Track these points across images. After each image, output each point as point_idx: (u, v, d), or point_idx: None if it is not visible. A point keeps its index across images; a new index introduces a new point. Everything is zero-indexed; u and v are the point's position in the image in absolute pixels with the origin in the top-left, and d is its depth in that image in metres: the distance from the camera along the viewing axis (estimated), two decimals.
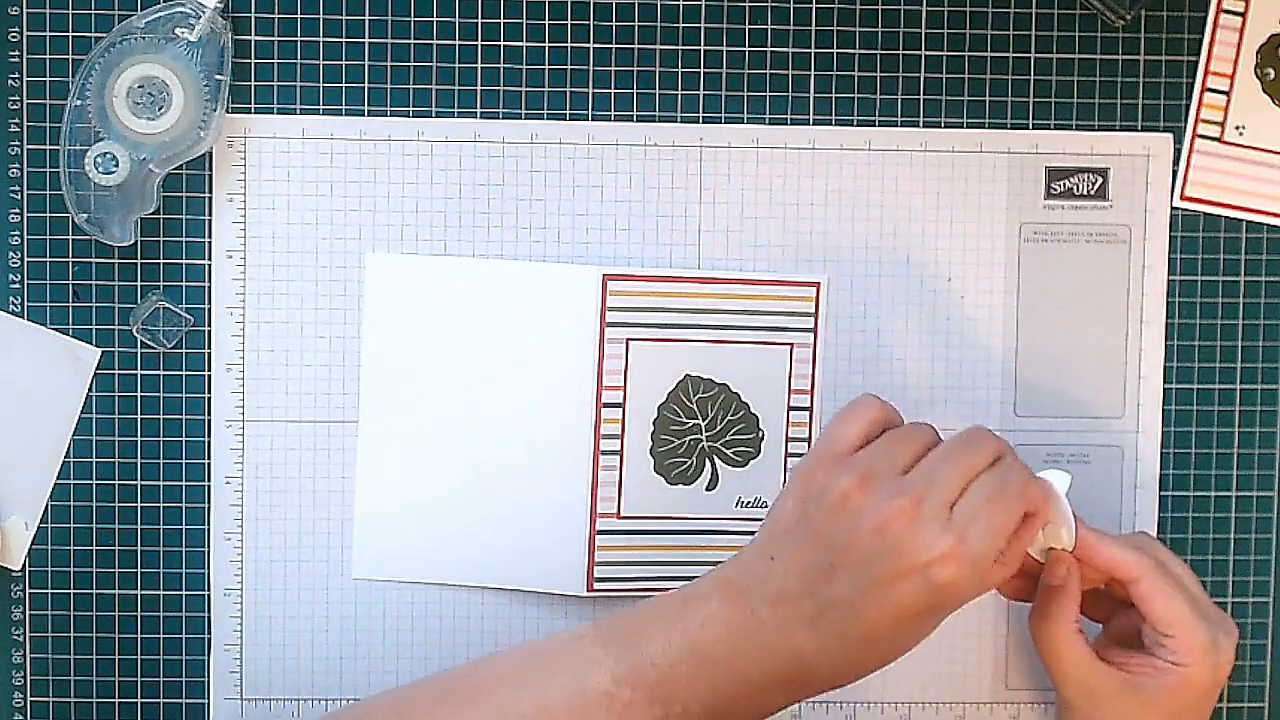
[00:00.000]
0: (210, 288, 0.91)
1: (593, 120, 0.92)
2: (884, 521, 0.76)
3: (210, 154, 0.91)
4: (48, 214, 0.91)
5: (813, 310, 0.92)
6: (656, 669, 0.78)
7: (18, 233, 0.91)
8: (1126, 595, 0.85)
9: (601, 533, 0.91)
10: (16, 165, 0.91)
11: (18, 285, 0.91)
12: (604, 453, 0.91)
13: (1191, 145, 0.93)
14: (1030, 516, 0.80)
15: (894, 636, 0.78)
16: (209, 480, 0.92)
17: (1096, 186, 0.93)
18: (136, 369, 0.91)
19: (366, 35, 0.91)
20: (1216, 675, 0.84)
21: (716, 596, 0.79)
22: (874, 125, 0.93)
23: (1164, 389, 0.93)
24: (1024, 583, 0.87)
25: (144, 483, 0.92)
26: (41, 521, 0.92)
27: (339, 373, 0.92)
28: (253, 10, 0.91)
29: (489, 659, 0.83)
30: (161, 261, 0.91)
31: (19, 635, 0.92)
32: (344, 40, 0.91)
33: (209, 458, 0.92)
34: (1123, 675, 0.85)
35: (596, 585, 0.92)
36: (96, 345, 0.91)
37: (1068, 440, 0.93)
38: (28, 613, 0.92)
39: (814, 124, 0.92)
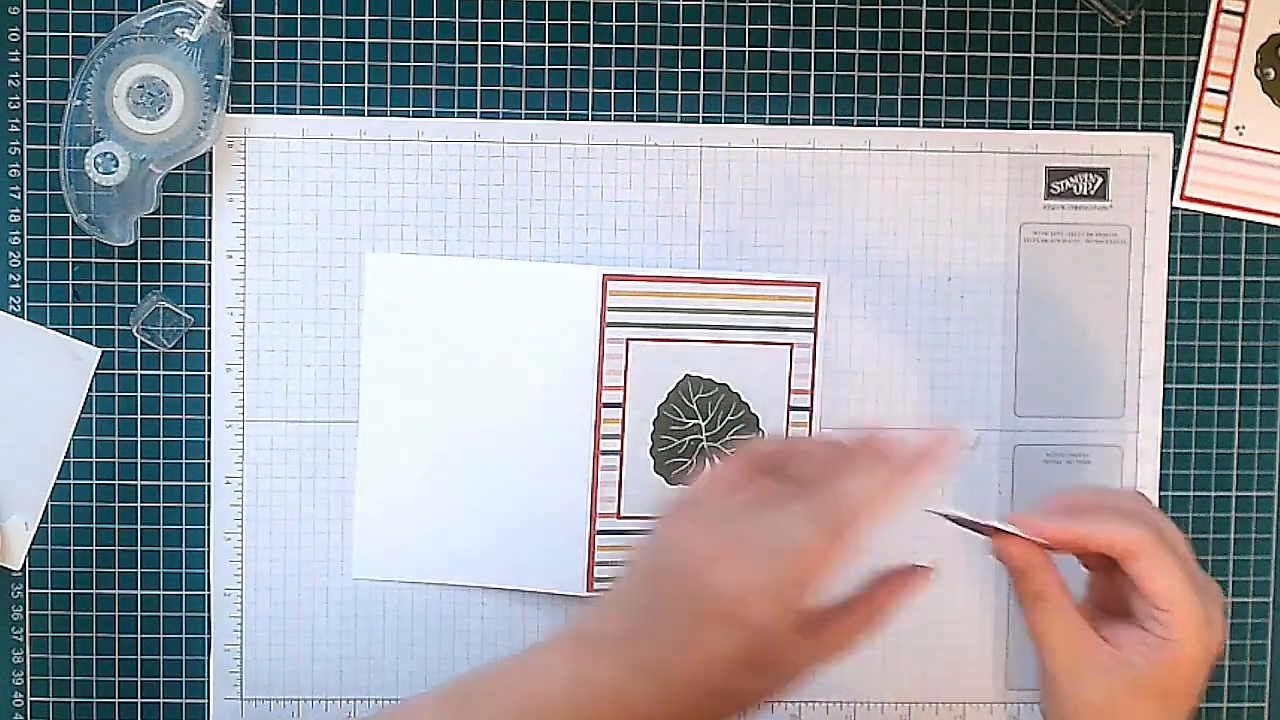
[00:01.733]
0: (210, 288, 0.91)
1: (593, 120, 0.92)
2: (703, 562, 0.74)
3: (210, 154, 0.91)
4: (48, 214, 0.91)
5: (813, 310, 0.92)
6: None
7: (18, 233, 0.91)
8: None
9: (601, 533, 0.91)
10: (16, 165, 0.91)
11: (18, 285, 0.91)
12: (604, 453, 0.91)
13: (1191, 145, 0.93)
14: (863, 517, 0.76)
15: (719, 689, 0.75)
16: (209, 480, 0.92)
17: (1096, 186, 0.93)
18: (136, 369, 0.91)
19: (366, 35, 0.91)
20: (1209, 652, 0.80)
21: (561, 646, 0.78)
22: (874, 125, 0.93)
23: (1164, 389, 0.93)
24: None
25: (144, 483, 0.92)
26: (41, 521, 0.92)
27: (339, 373, 0.92)
28: (253, 10, 0.91)
29: None
30: (161, 261, 0.91)
31: (19, 635, 0.92)
32: (344, 40, 0.91)
33: (209, 458, 0.92)
34: (1112, 651, 0.80)
35: (597, 585, 0.92)
36: (96, 345, 0.91)
37: (1068, 440, 0.93)
38: (28, 613, 0.92)
39: (814, 124, 0.93)
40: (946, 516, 0.81)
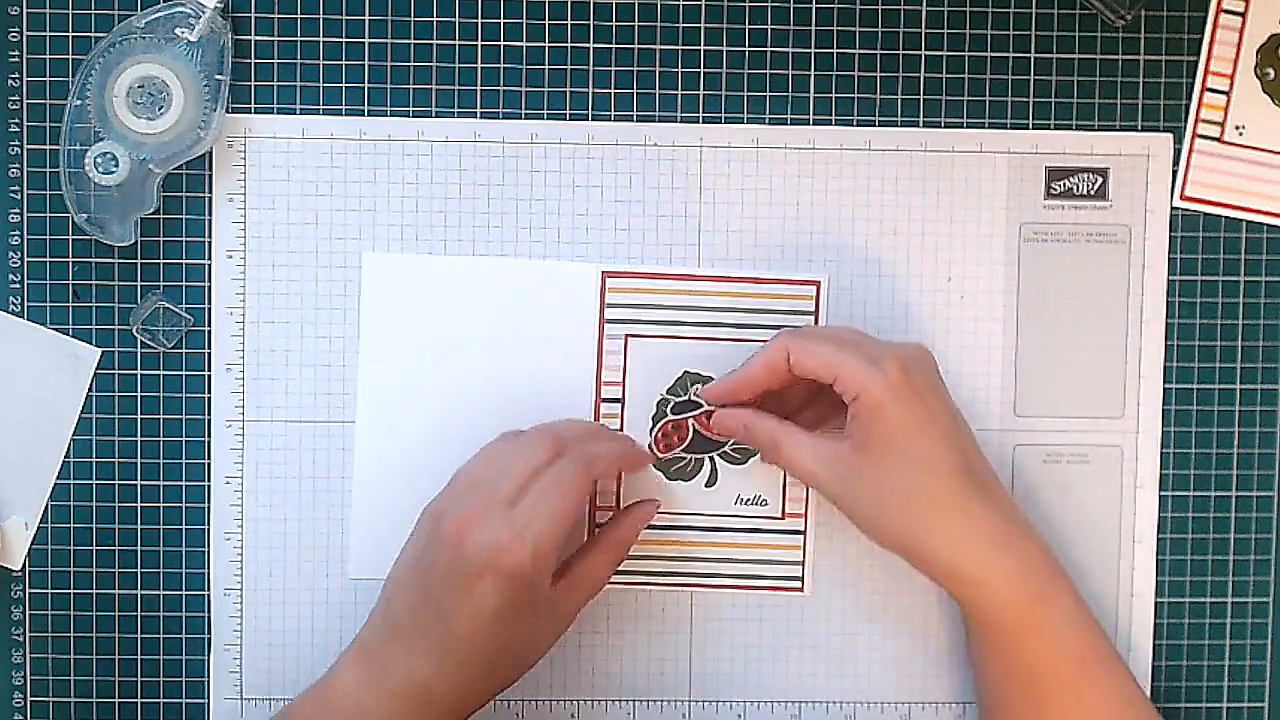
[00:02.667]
0: (210, 288, 0.91)
1: (593, 120, 0.92)
2: (455, 533, 0.82)
3: (210, 154, 0.91)
4: (48, 214, 0.91)
5: (813, 309, 0.92)
6: None
7: (18, 233, 0.91)
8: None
9: (600, 527, 0.91)
10: (16, 165, 0.91)
11: (18, 285, 0.91)
12: None
13: (1191, 145, 0.93)
14: (631, 467, 0.90)
15: (496, 643, 0.83)
16: (209, 480, 0.92)
17: (1096, 186, 0.93)
18: (136, 369, 0.91)
19: (366, 35, 0.91)
20: (892, 384, 0.83)
21: (344, 663, 0.85)
22: (874, 125, 0.93)
23: (1164, 389, 0.93)
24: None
25: (144, 483, 0.92)
26: (41, 521, 0.92)
27: (339, 373, 0.92)
28: (253, 10, 0.91)
29: None
30: (161, 261, 0.91)
31: (19, 635, 0.92)
32: (344, 40, 0.91)
33: (209, 458, 0.92)
34: (845, 443, 0.85)
35: None
36: (96, 345, 0.91)
37: (1068, 440, 0.93)
38: (28, 613, 0.92)
39: (814, 124, 0.93)
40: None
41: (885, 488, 0.84)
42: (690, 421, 0.92)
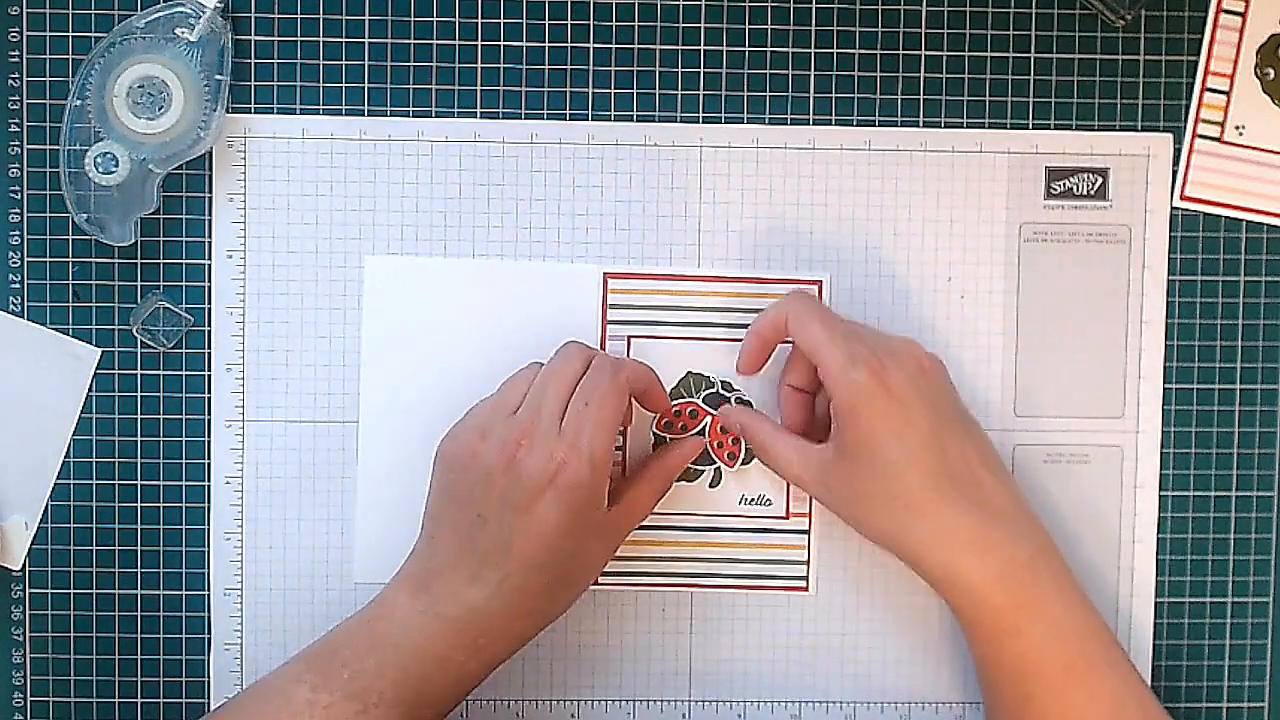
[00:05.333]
0: (210, 288, 0.91)
1: (593, 120, 0.92)
2: (506, 458, 0.83)
3: (210, 154, 0.91)
4: (48, 214, 0.91)
5: None
6: (348, 669, 0.83)
7: (18, 233, 0.91)
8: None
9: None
10: (16, 165, 0.91)
11: (18, 285, 0.91)
12: None
13: (1191, 145, 0.93)
14: (647, 393, 0.89)
15: (555, 562, 0.83)
16: (209, 480, 0.92)
17: (1096, 186, 0.93)
18: (136, 369, 0.91)
19: (366, 35, 0.91)
20: (872, 394, 0.84)
21: (393, 591, 0.85)
22: (874, 125, 0.93)
23: (1164, 389, 0.93)
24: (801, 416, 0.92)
25: (144, 483, 0.92)
26: (41, 521, 0.91)
27: (339, 373, 0.92)
28: (253, 10, 0.91)
29: (224, 705, 0.88)
30: (161, 261, 0.91)
31: (19, 635, 0.92)
32: (344, 40, 0.91)
33: (209, 458, 0.92)
34: (828, 447, 0.87)
35: (600, 581, 0.92)
36: (96, 345, 0.91)
37: (1068, 440, 0.93)
38: (28, 613, 0.92)
39: (814, 124, 0.93)
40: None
41: (864, 491, 0.85)
42: (708, 419, 0.92)
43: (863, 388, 0.84)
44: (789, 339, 0.89)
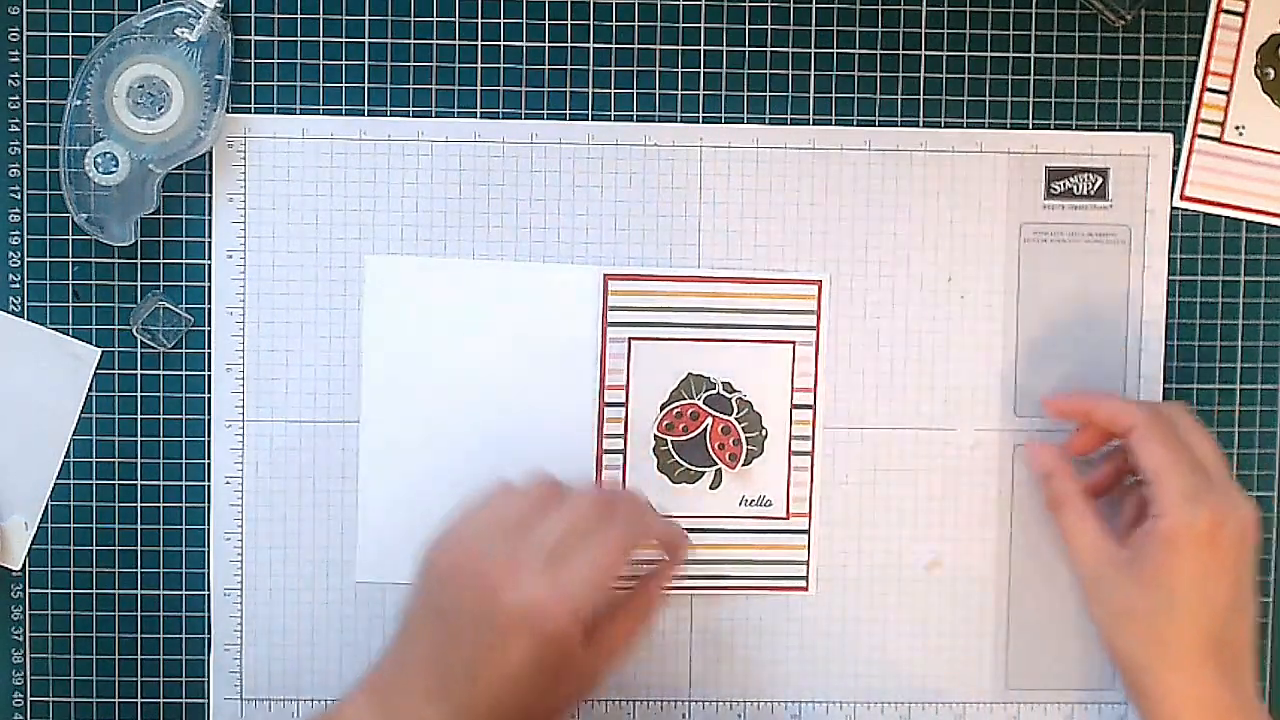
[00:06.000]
0: (210, 288, 0.91)
1: (593, 120, 0.92)
2: (489, 585, 0.78)
3: (210, 154, 0.91)
4: (48, 214, 0.91)
5: (814, 308, 0.92)
6: None
7: (18, 233, 0.91)
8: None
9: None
10: (16, 165, 0.91)
11: (18, 285, 0.91)
12: (607, 452, 0.91)
13: (1191, 145, 0.93)
14: (662, 566, 0.87)
15: (518, 703, 0.79)
16: (209, 480, 0.92)
17: (1096, 186, 0.93)
18: (136, 369, 0.91)
19: (366, 35, 0.91)
20: (1196, 532, 0.82)
21: (359, 697, 0.81)
22: (874, 125, 0.93)
23: (1164, 389, 0.93)
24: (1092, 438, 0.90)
25: (144, 483, 0.92)
26: (41, 521, 0.91)
27: (339, 373, 0.92)
28: (253, 10, 0.91)
29: None
30: (161, 261, 0.91)
31: (19, 635, 0.92)
32: (344, 40, 0.91)
33: (209, 458, 0.92)
34: (1124, 550, 0.85)
35: None
36: (96, 345, 0.91)
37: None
38: (28, 613, 0.92)
39: (814, 124, 0.93)
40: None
41: (1136, 612, 0.85)
42: (710, 420, 0.92)
43: (1195, 530, 0.82)
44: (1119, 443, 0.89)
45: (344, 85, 0.91)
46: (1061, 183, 0.93)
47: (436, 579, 0.81)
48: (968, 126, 0.93)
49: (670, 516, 0.92)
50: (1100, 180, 0.93)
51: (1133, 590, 0.84)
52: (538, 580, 0.78)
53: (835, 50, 0.92)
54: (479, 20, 0.92)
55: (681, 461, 0.92)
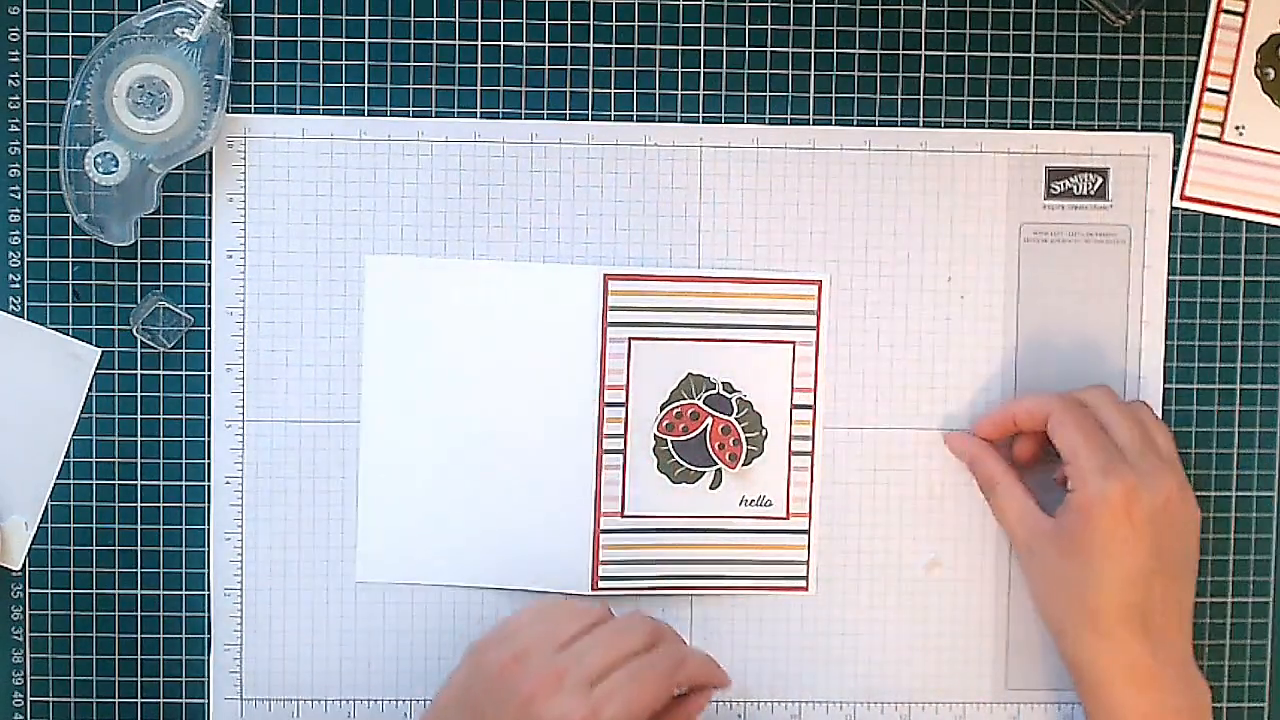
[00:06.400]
0: (210, 288, 0.91)
1: (593, 120, 0.92)
2: (528, 693, 0.80)
3: (210, 154, 0.91)
4: (48, 214, 0.91)
5: (814, 308, 0.92)
6: None
7: (18, 233, 0.91)
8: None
9: (605, 532, 0.91)
10: (16, 165, 0.91)
11: (18, 285, 0.91)
12: (607, 452, 0.91)
13: (1191, 145, 0.93)
14: (699, 690, 0.86)
15: None
16: (209, 480, 0.92)
17: (1096, 186, 0.93)
18: (136, 369, 0.91)
19: (366, 35, 0.91)
20: (1110, 504, 0.85)
21: None
22: (874, 125, 0.93)
23: (1164, 389, 0.93)
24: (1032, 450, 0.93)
25: (144, 483, 0.92)
26: (41, 521, 0.91)
27: (339, 373, 0.92)
28: (253, 10, 0.91)
29: None
30: (161, 261, 0.91)
31: (19, 635, 0.92)
32: (344, 40, 0.91)
33: (209, 458, 0.92)
34: (1050, 522, 0.88)
35: (601, 584, 0.92)
36: (96, 345, 0.91)
37: None
38: (28, 613, 0.92)
39: (814, 124, 0.93)
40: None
41: (1062, 580, 0.87)
42: (710, 420, 0.92)
43: (1107, 501, 0.85)
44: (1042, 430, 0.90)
45: (344, 85, 0.91)
46: (1061, 183, 0.93)
47: (479, 672, 0.83)
48: (968, 126, 0.93)
49: (670, 516, 0.92)
50: (1100, 180, 0.93)
51: (1059, 560, 0.87)
52: (575, 700, 0.79)
53: (835, 50, 0.92)
54: (479, 20, 0.92)
55: (681, 461, 0.92)
